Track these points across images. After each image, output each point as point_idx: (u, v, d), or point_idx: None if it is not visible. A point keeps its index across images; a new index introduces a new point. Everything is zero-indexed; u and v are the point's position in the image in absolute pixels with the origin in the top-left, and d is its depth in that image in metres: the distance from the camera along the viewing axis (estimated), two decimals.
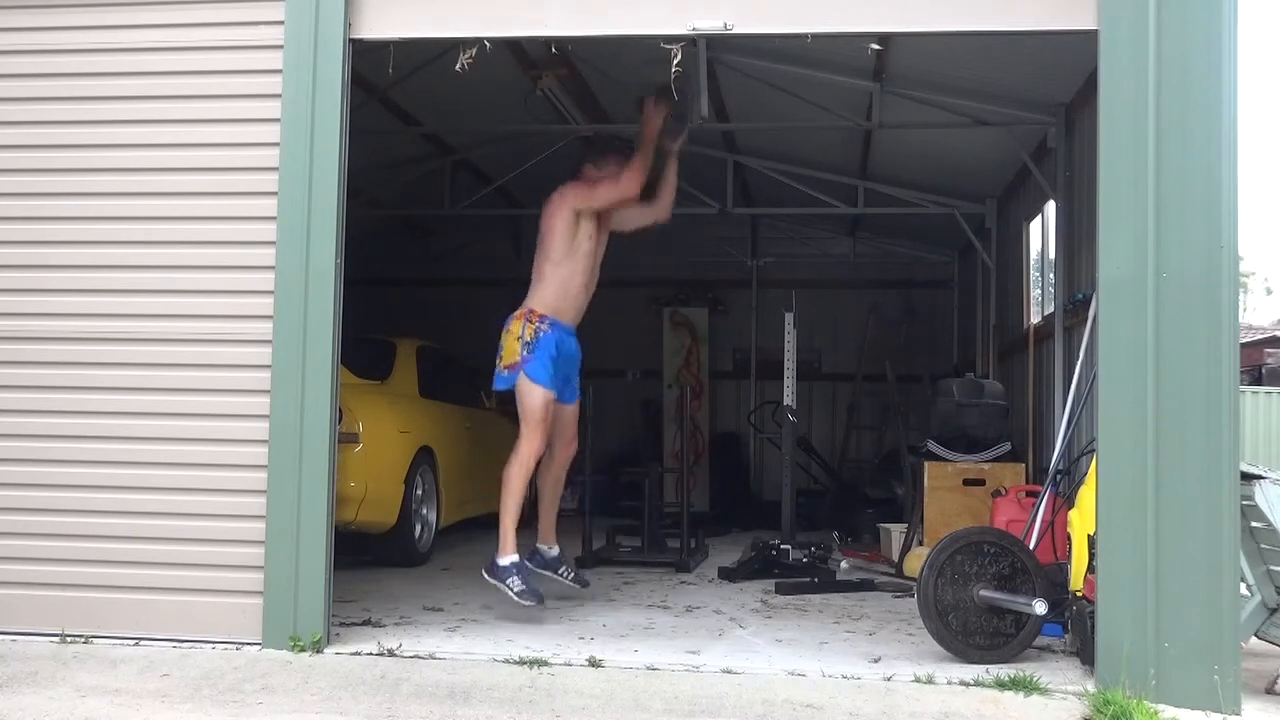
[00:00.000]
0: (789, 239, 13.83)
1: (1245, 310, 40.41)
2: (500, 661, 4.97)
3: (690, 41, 5.50)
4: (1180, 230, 4.77)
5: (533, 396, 6.07)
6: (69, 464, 5.40)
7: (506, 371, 6.16)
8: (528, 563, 6.12)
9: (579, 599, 6.62)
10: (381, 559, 7.70)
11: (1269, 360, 21.36)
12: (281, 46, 5.34)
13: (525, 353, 6.09)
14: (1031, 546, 5.70)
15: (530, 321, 6.15)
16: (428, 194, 11.54)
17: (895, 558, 8.22)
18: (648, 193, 6.51)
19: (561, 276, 6.22)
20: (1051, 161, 8.28)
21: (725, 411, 14.17)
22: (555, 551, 6.50)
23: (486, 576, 5.95)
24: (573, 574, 6.52)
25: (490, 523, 9.80)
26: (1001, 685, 4.67)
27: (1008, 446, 8.51)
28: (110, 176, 5.50)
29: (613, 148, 6.57)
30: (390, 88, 8.05)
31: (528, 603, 5.83)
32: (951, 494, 8.17)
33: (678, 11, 5.25)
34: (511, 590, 5.85)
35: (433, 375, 8.81)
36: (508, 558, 5.96)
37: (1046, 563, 5.53)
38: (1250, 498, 4.86)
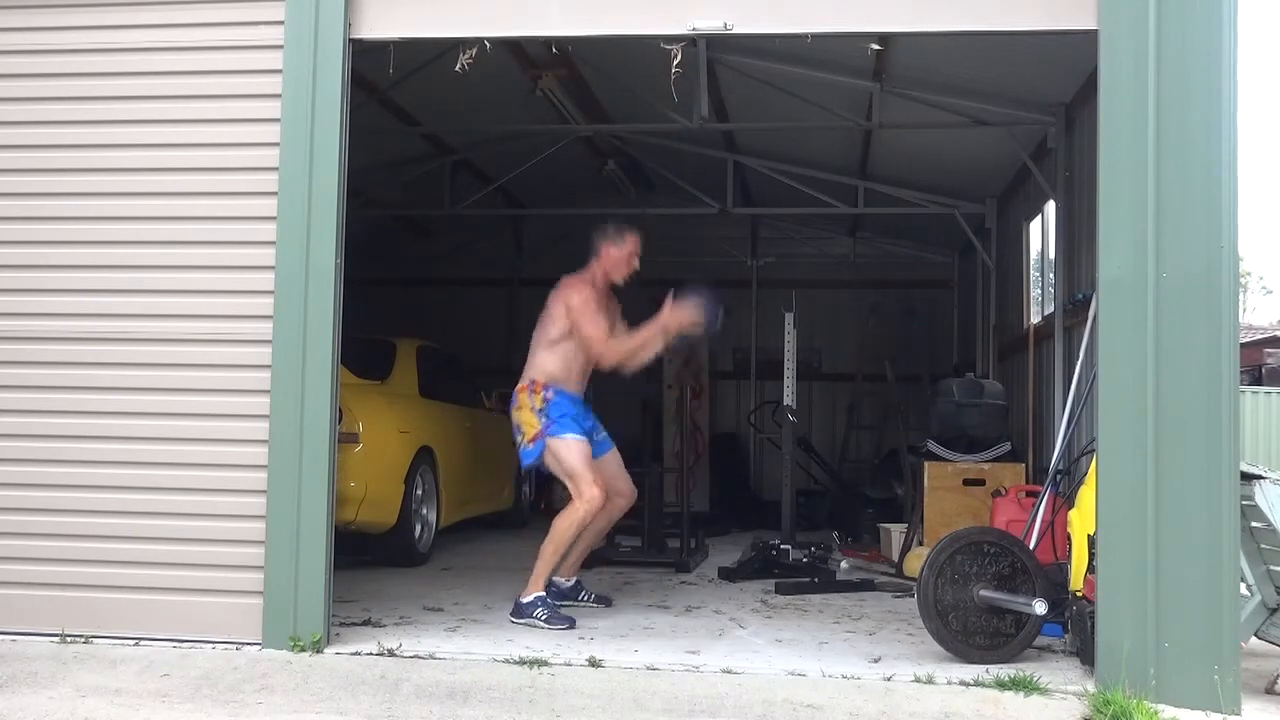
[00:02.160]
0: (789, 239, 13.84)
1: (1245, 310, 40.42)
2: (500, 661, 4.96)
3: (690, 41, 5.51)
4: (1180, 230, 4.76)
5: (570, 451, 5.96)
6: (69, 464, 5.40)
7: (532, 445, 6.06)
8: (547, 597, 5.98)
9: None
10: (381, 559, 7.70)
11: (1269, 360, 21.36)
12: (281, 46, 5.34)
13: (544, 420, 6.01)
14: (1031, 546, 5.69)
15: (535, 392, 6.08)
16: (428, 194, 11.55)
17: (895, 558, 8.22)
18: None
19: (561, 351, 6.14)
20: (1051, 161, 8.28)
21: (725, 411, 14.18)
22: (570, 583, 6.41)
23: (513, 619, 5.85)
24: (591, 596, 6.43)
25: (491, 522, 9.88)
26: (1001, 685, 4.67)
27: (1008, 446, 8.52)
28: (110, 176, 5.50)
29: (630, 230, 6.38)
30: (390, 88, 8.06)
31: (560, 626, 5.74)
32: (951, 494, 8.17)
33: (678, 11, 5.25)
34: (540, 621, 5.77)
35: (433, 375, 8.81)
36: (531, 595, 5.89)
37: (1046, 563, 5.53)
38: (1250, 498, 4.86)
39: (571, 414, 6.07)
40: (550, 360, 6.14)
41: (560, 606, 6.03)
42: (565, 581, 6.38)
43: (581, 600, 6.38)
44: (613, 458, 6.36)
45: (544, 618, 5.78)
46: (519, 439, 6.16)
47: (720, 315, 6.24)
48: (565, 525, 5.94)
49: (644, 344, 6.11)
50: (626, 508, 6.47)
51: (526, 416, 6.09)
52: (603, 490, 5.95)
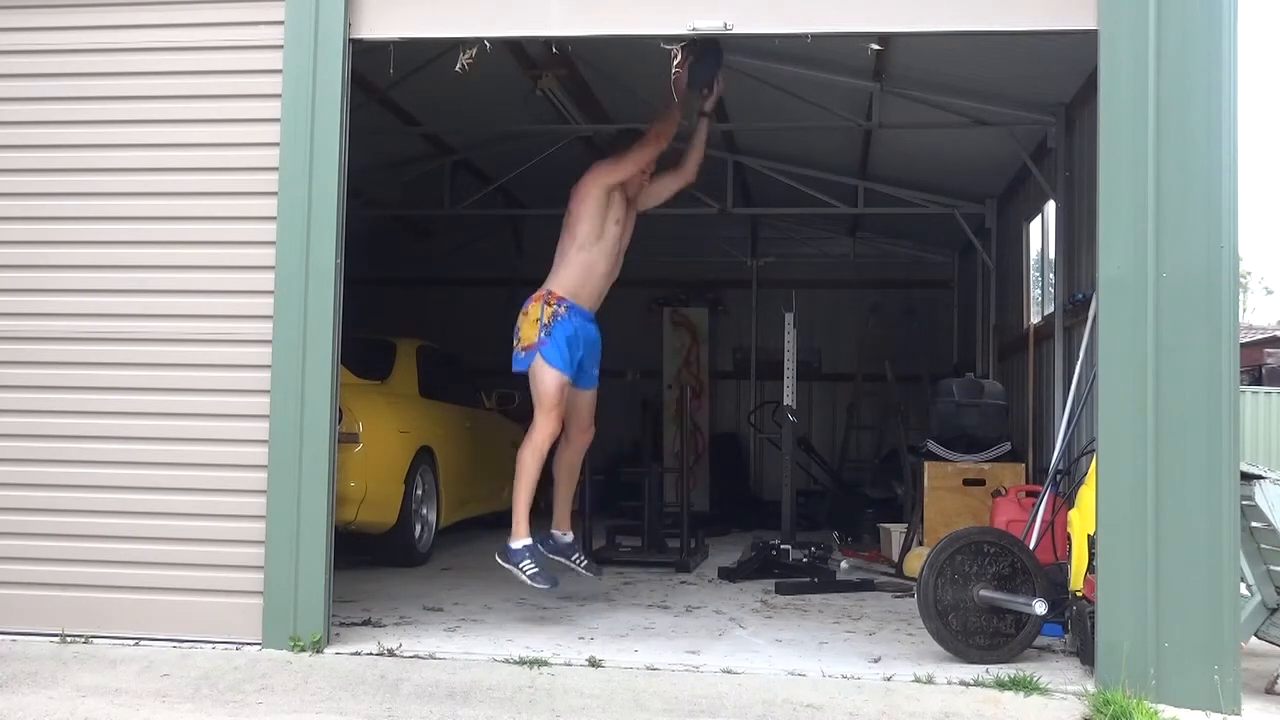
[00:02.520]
0: (789, 239, 13.84)
1: (1245, 310, 40.42)
2: (500, 661, 4.97)
3: (690, 41, 5.51)
4: (1180, 230, 4.77)
5: (547, 379, 6.03)
6: (69, 464, 5.40)
7: (523, 353, 6.12)
8: (540, 546, 6.07)
9: (580, 599, 6.62)
10: (381, 559, 7.70)
11: (1269, 360, 21.35)
12: (281, 46, 5.34)
13: (542, 334, 6.05)
14: (1031, 546, 5.69)
15: (549, 304, 6.10)
16: (428, 194, 11.55)
17: (895, 558, 8.22)
18: (672, 161, 6.46)
19: (585, 260, 6.18)
20: (1051, 161, 8.28)
21: (725, 411, 14.18)
22: (569, 538, 6.48)
23: (500, 560, 5.94)
24: (585, 560, 6.51)
25: (491, 522, 9.87)
26: (1001, 685, 4.68)
27: (1008, 446, 8.51)
28: (110, 176, 5.50)
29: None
30: (390, 88, 8.05)
31: (541, 585, 5.83)
32: (951, 494, 8.17)
33: (678, 11, 5.25)
34: (525, 574, 5.84)
35: (433, 375, 8.81)
36: (520, 541, 5.95)
37: (1046, 563, 5.53)
38: (1250, 498, 4.86)
39: (568, 338, 6.08)
40: (572, 272, 6.17)
41: (552, 561, 6.10)
42: (563, 535, 6.46)
43: (575, 561, 6.42)
44: (589, 396, 6.43)
45: (529, 572, 5.85)
46: (515, 343, 6.20)
47: (717, 67, 6.20)
48: (525, 456, 6.03)
49: (675, 111, 6.25)
50: (588, 443, 6.55)
51: (527, 325, 6.13)
52: (557, 427, 6.04)
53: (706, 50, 6.02)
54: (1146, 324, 4.76)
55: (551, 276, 6.23)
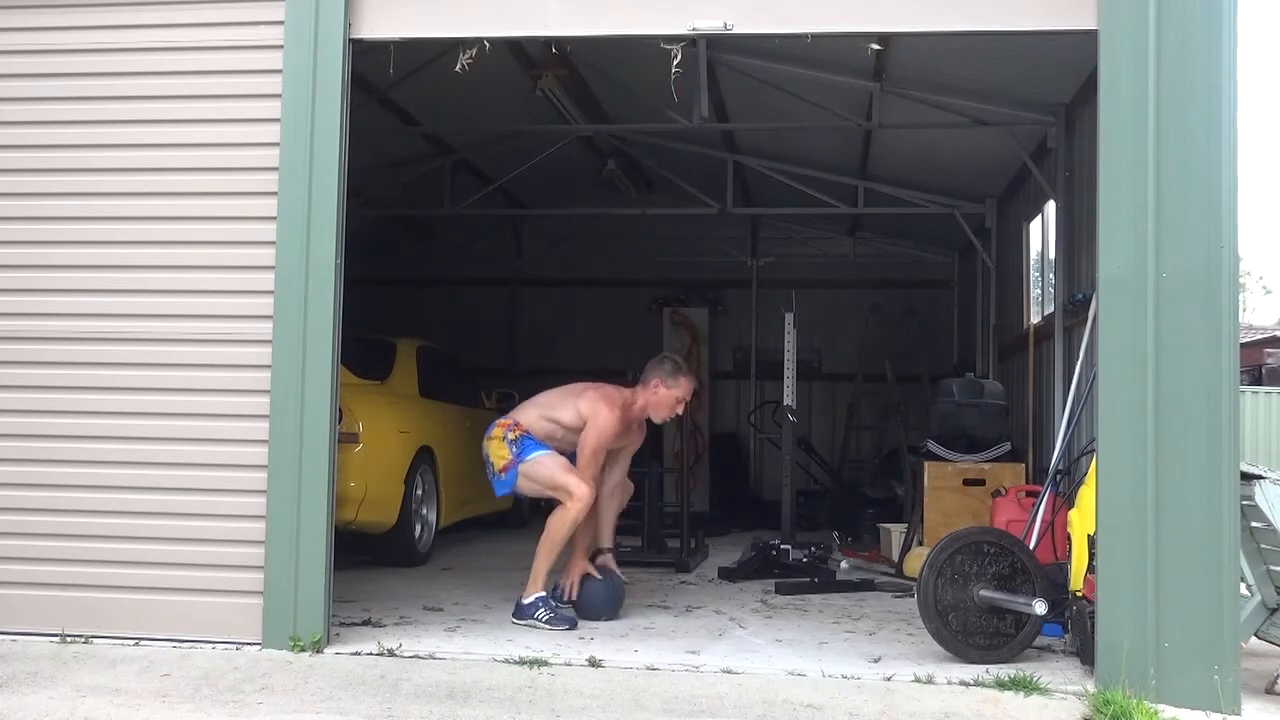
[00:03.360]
0: (789, 239, 13.85)
1: (1245, 310, 40.42)
2: (500, 661, 4.97)
3: (690, 41, 5.51)
4: (1180, 230, 4.77)
5: (541, 466, 6.00)
6: (69, 464, 5.40)
7: (504, 475, 6.09)
8: (550, 599, 5.96)
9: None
10: (381, 559, 7.70)
11: (1269, 360, 21.36)
12: (281, 46, 5.34)
13: (514, 450, 6.04)
14: (1031, 546, 5.69)
15: (514, 431, 6.09)
16: (428, 194, 11.55)
17: (895, 558, 8.22)
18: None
19: (557, 432, 6.13)
20: (1051, 161, 8.28)
21: (725, 411, 14.18)
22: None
23: (515, 620, 5.84)
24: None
25: (490, 522, 9.88)
26: (1001, 685, 4.67)
27: (1008, 446, 8.52)
28: (110, 177, 5.50)
29: (685, 373, 6.30)
30: (390, 88, 8.06)
31: (560, 628, 5.73)
32: (951, 494, 8.17)
33: (678, 11, 5.25)
34: (541, 622, 5.76)
35: (433, 375, 8.81)
36: (532, 596, 5.87)
37: (1046, 563, 5.53)
38: (1250, 498, 4.86)
39: (542, 446, 6.06)
40: (543, 427, 6.14)
41: (563, 606, 6.02)
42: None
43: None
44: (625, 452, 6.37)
45: (545, 619, 5.78)
46: (490, 471, 6.17)
47: (604, 607, 6.14)
48: (558, 524, 5.93)
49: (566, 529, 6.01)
50: (627, 499, 6.48)
51: (496, 447, 6.12)
52: (592, 486, 5.95)
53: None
54: (1146, 324, 4.76)
55: (524, 411, 6.20)
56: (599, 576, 6.19)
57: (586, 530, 6.25)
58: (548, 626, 5.74)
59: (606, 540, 6.43)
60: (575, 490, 5.88)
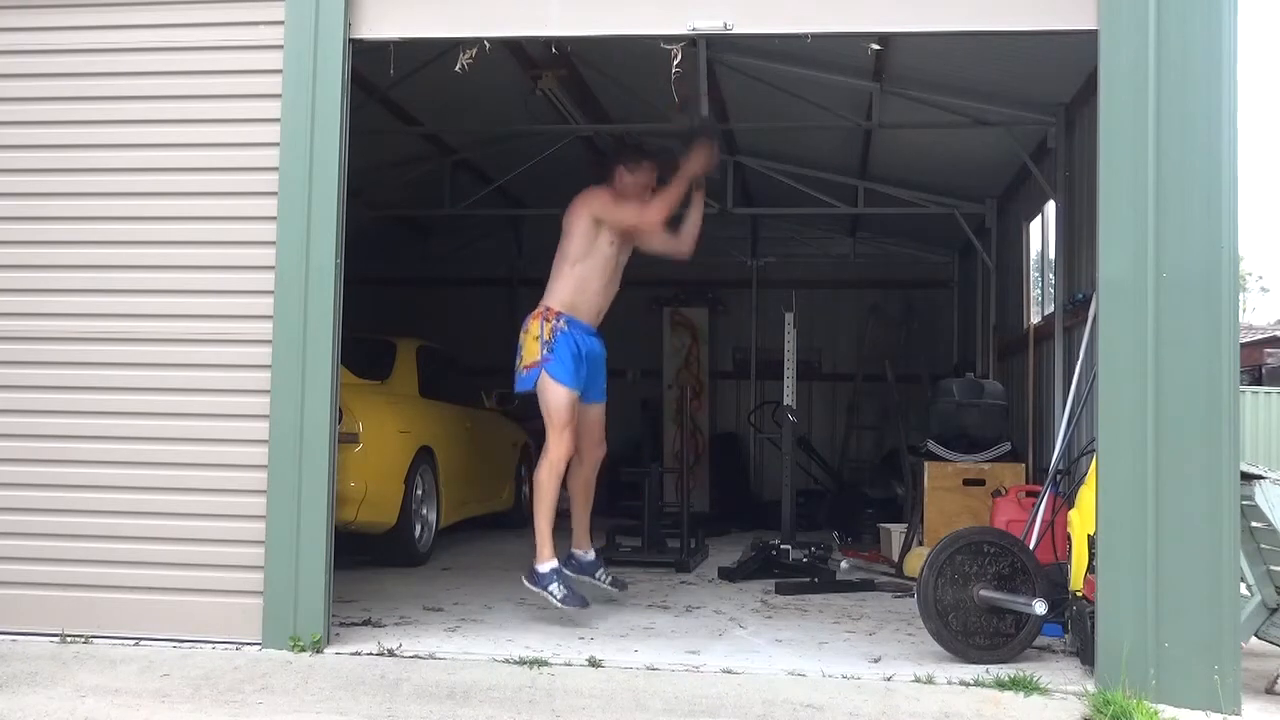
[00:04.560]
0: (789, 239, 13.84)
1: (1245, 310, 40.42)
2: (500, 661, 4.97)
3: (690, 41, 5.51)
4: (1180, 230, 4.77)
5: (557, 396, 5.97)
6: (69, 464, 5.40)
7: (526, 371, 6.06)
8: (564, 568, 5.99)
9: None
10: (381, 559, 7.69)
11: (1269, 360, 21.37)
12: (281, 47, 5.34)
13: (545, 351, 6.00)
14: (1031, 546, 5.69)
15: (547, 320, 6.05)
16: (428, 194, 11.55)
17: (895, 558, 8.22)
18: (671, 224, 6.38)
19: (579, 275, 6.12)
20: (1051, 161, 8.28)
21: (725, 411, 14.17)
22: (591, 556, 6.41)
23: (527, 584, 5.86)
24: (610, 577, 6.42)
25: (490, 523, 9.88)
26: (1001, 685, 4.67)
27: (1008, 446, 8.51)
28: (110, 177, 5.50)
29: (649, 153, 6.38)
30: (390, 88, 8.05)
31: (572, 607, 5.74)
32: (951, 494, 8.16)
33: (678, 11, 5.25)
34: (555, 597, 5.76)
35: (433, 375, 8.81)
36: (546, 564, 5.86)
37: (1046, 563, 5.53)
38: (1250, 498, 4.86)
39: (572, 353, 6.03)
40: (566, 286, 6.11)
41: (577, 579, 6.04)
42: (585, 554, 6.39)
43: (599, 578, 6.36)
44: (597, 411, 6.35)
45: (559, 595, 5.77)
46: (517, 362, 6.15)
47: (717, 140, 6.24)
48: (542, 477, 5.96)
49: (678, 189, 6.14)
50: (600, 458, 6.46)
51: (529, 343, 6.08)
52: (571, 444, 5.97)
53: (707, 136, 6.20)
54: (1146, 324, 4.76)
55: (547, 293, 6.18)
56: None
57: (580, 492, 6.33)
58: (560, 604, 5.75)
59: (585, 543, 6.45)
60: (553, 441, 5.92)
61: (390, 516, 7.53)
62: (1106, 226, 4.87)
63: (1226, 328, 4.73)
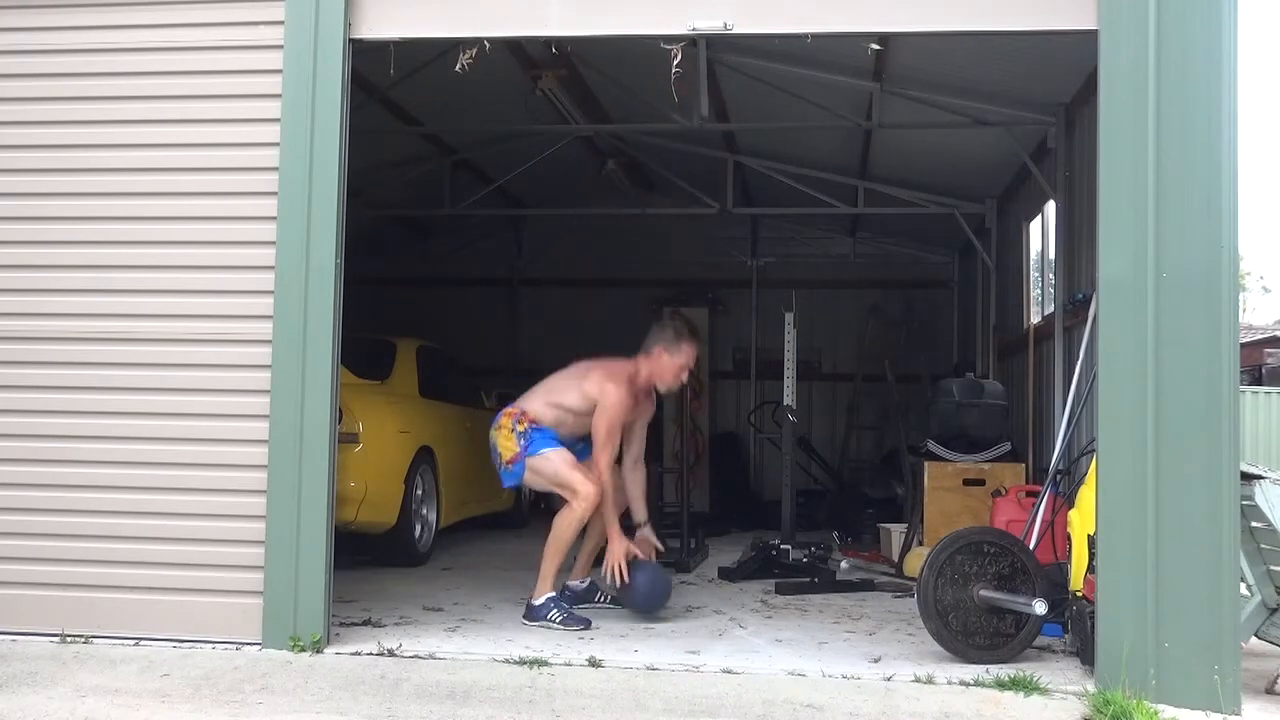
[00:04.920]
0: (789, 239, 13.85)
1: (1245, 310, 40.40)
2: (500, 661, 4.97)
3: (690, 41, 5.51)
4: (1180, 230, 4.77)
5: (549, 462, 5.96)
6: (69, 464, 5.40)
7: (512, 468, 6.05)
8: (560, 599, 5.96)
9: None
10: (381, 559, 7.69)
11: (1269, 360, 21.37)
12: (281, 47, 5.34)
13: (522, 443, 6.00)
14: (1031, 546, 5.69)
15: (520, 422, 6.05)
16: (428, 194, 11.55)
17: (895, 558, 8.22)
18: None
19: (565, 418, 6.10)
20: (1051, 161, 8.28)
21: (725, 411, 14.17)
22: (584, 584, 6.38)
23: (526, 622, 5.83)
24: (607, 598, 6.36)
25: (490, 522, 9.88)
26: (1001, 685, 4.67)
27: (1008, 446, 8.51)
28: (110, 177, 5.50)
29: (688, 338, 6.33)
30: (390, 88, 8.05)
31: (575, 628, 5.71)
32: (951, 494, 8.16)
33: (678, 11, 5.25)
34: (555, 623, 5.74)
35: (433, 375, 8.81)
36: (542, 596, 5.86)
37: (1046, 563, 5.53)
38: (1250, 498, 4.86)
39: (552, 437, 6.04)
40: (551, 414, 6.10)
41: (575, 608, 6.01)
42: (579, 583, 6.36)
43: (597, 602, 6.35)
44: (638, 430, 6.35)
45: (558, 620, 5.76)
46: (497, 461, 6.14)
47: (657, 597, 6.17)
48: (565, 524, 5.92)
49: (606, 506, 6.01)
50: (643, 478, 6.44)
51: (504, 439, 6.08)
52: (599, 485, 5.91)
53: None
54: (1146, 324, 4.76)
55: (530, 399, 6.16)
56: (639, 554, 6.14)
57: (595, 528, 6.20)
58: (561, 627, 5.72)
59: (641, 514, 6.39)
60: (581, 489, 5.87)
61: (390, 516, 7.53)
62: (1106, 226, 4.87)
63: (1226, 328, 4.73)
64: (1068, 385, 6.80)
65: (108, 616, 5.29)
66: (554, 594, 5.90)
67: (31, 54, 5.58)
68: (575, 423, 6.10)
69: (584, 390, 6.06)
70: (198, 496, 5.30)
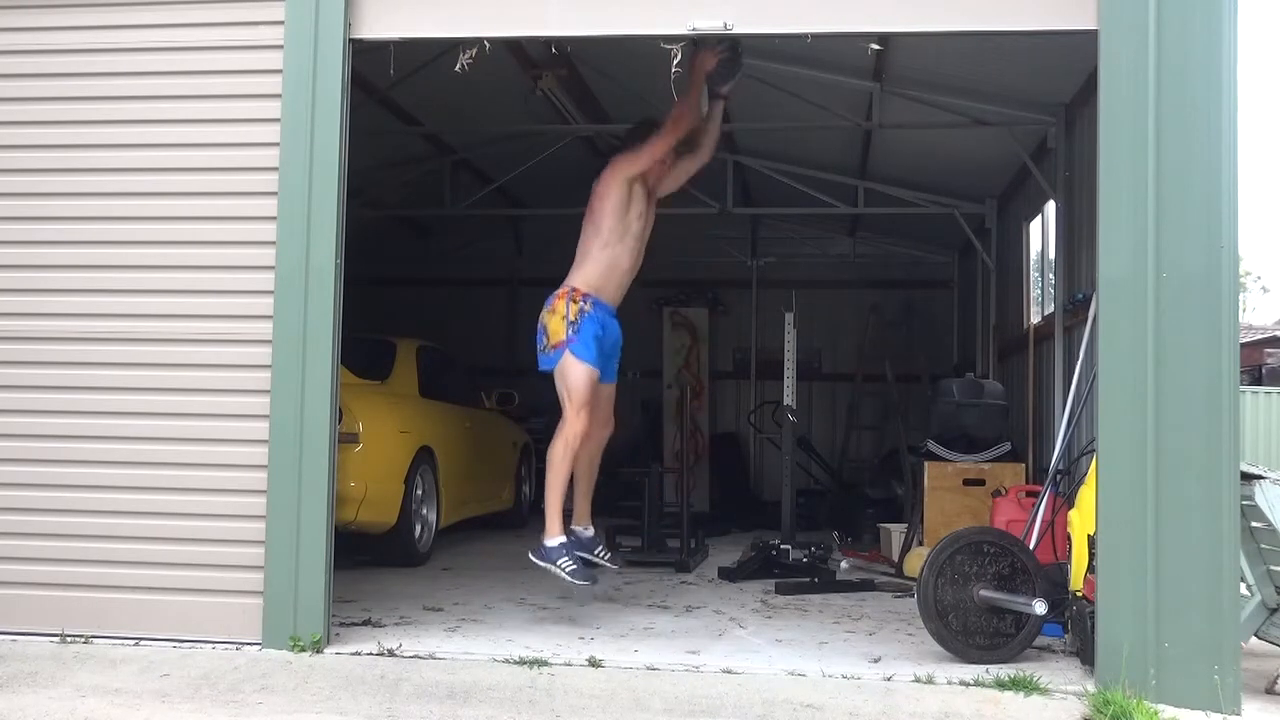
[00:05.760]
0: (789, 239, 13.85)
1: (1245, 310, 40.38)
2: (500, 661, 4.97)
3: (690, 41, 5.51)
4: (1180, 230, 4.77)
5: (578, 374, 6.00)
6: (69, 464, 5.40)
7: (552, 350, 6.08)
8: (572, 547, 6.02)
9: (580, 599, 6.60)
10: (381, 559, 7.69)
11: (1269, 360, 21.36)
12: (281, 46, 5.34)
13: (570, 331, 6.01)
14: (1031, 546, 5.69)
15: (574, 300, 6.07)
16: (428, 194, 11.55)
17: (895, 558, 8.22)
18: (687, 145, 6.44)
19: (610, 256, 6.16)
20: (1051, 161, 8.28)
21: (725, 411, 14.18)
22: (590, 532, 6.46)
23: (534, 559, 5.90)
24: (608, 553, 6.48)
25: (490, 522, 9.88)
26: (1001, 685, 4.67)
27: (1008, 446, 8.51)
28: (110, 177, 5.50)
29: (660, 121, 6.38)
30: (390, 88, 8.06)
31: (581, 581, 5.79)
32: (951, 494, 8.17)
33: (678, 11, 5.25)
34: (564, 571, 5.81)
35: (433, 375, 8.81)
36: (555, 539, 5.92)
37: (1046, 563, 5.53)
38: (1250, 498, 4.86)
39: (596, 334, 6.07)
40: (596, 269, 6.14)
41: (589, 558, 6.10)
42: (585, 530, 6.43)
43: (598, 555, 6.39)
44: (609, 391, 6.40)
45: (569, 569, 5.82)
46: (542, 343, 6.16)
47: (738, 65, 6.31)
48: (557, 453, 6.00)
49: (694, 97, 6.19)
50: (607, 437, 6.52)
51: (555, 323, 6.09)
52: (588, 422, 6.00)
53: (733, 54, 6.14)
54: (1146, 324, 4.76)
55: (574, 272, 6.20)
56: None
57: (587, 469, 6.35)
58: (569, 577, 5.79)
59: (583, 517, 6.52)
60: (571, 418, 5.96)
61: (390, 516, 7.53)
62: (1106, 226, 4.87)
63: (1227, 327, 4.73)
64: (1068, 385, 6.80)
65: (108, 616, 5.30)
66: (567, 540, 5.95)
67: (31, 54, 5.58)
68: (621, 260, 6.18)
69: (603, 209, 6.16)
70: (198, 496, 5.30)
